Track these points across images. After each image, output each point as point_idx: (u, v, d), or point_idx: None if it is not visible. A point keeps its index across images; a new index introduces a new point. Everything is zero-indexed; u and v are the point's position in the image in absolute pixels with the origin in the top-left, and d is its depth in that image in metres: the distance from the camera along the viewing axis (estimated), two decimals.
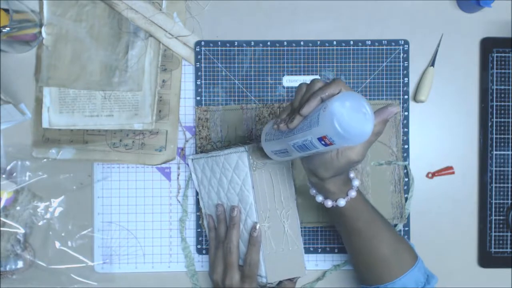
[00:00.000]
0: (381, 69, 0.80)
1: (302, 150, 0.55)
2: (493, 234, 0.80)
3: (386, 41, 0.80)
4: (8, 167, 0.78)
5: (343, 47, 0.80)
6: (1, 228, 0.77)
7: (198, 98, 0.80)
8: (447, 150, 0.81)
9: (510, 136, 0.80)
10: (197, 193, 0.79)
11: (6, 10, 0.71)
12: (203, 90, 0.80)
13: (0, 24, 0.70)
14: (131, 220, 0.80)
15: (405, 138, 0.80)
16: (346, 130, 0.48)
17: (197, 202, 0.80)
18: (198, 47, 0.80)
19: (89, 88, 0.78)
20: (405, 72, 0.80)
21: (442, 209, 0.81)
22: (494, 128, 0.80)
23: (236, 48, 0.80)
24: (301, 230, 0.75)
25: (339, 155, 0.55)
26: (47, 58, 0.79)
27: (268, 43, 0.80)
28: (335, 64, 0.80)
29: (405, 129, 0.80)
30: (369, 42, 0.80)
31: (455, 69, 0.81)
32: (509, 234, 0.80)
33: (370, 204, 0.65)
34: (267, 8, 0.80)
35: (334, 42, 0.80)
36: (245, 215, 0.69)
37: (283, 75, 0.80)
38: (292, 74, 0.80)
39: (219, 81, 0.80)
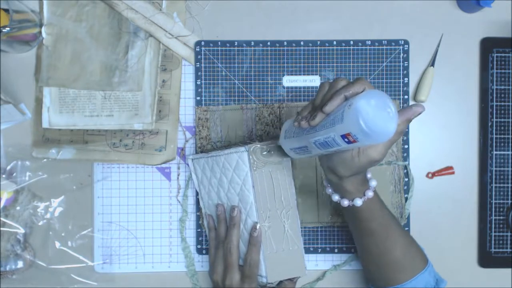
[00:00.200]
0: (381, 69, 0.80)
1: (324, 147, 0.55)
2: (493, 234, 0.80)
3: (386, 41, 0.80)
4: (8, 167, 0.78)
5: (343, 47, 0.80)
6: (1, 228, 0.77)
7: (198, 98, 0.80)
8: (447, 150, 0.81)
9: (510, 136, 0.80)
10: (197, 193, 0.79)
11: (6, 10, 0.71)
12: (203, 90, 0.80)
13: (0, 24, 0.70)
14: (131, 220, 0.80)
15: (405, 138, 0.80)
16: (370, 128, 0.48)
17: (197, 202, 0.80)
18: (198, 47, 0.79)
19: (89, 88, 0.78)
20: (405, 72, 0.80)
21: (442, 209, 0.81)
22: (494, 128, 0.80)
23: (236, 48, 0.80)
24: (301, 230, 0.74)
25: (360, 153, 0.54)
26: (47, 58, 0.79)
27: (268, 43, 0.80)
28: (335, 64, 0.80)
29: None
30: (369, 42, 0.80)
31: (455, 69, 0.81)
32: (509, 234, 0.80)
33: (385, 206, 0.65)
34: (267, 8, 0.80)
35: (334, 42, 0.80)
36: (245, 215, 0.69)
37: (283, 75, 0.80)
38: (292, 74, 0.80)
39: (219, 81, 0.80)
